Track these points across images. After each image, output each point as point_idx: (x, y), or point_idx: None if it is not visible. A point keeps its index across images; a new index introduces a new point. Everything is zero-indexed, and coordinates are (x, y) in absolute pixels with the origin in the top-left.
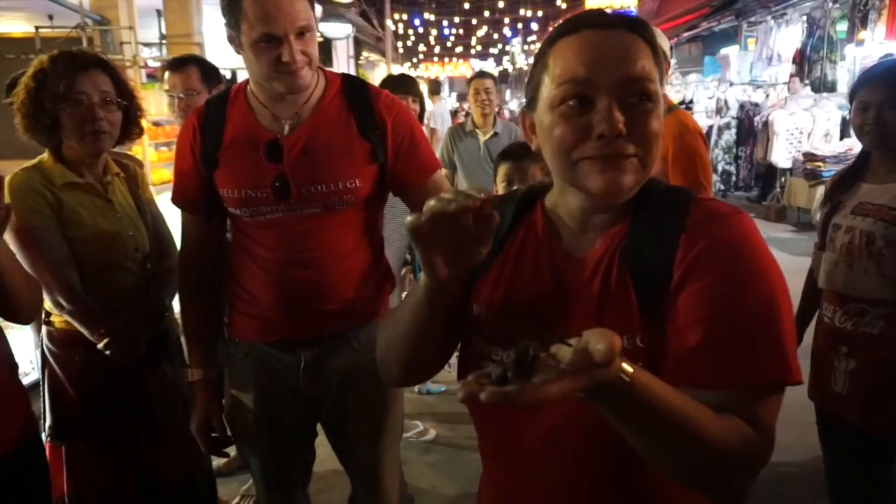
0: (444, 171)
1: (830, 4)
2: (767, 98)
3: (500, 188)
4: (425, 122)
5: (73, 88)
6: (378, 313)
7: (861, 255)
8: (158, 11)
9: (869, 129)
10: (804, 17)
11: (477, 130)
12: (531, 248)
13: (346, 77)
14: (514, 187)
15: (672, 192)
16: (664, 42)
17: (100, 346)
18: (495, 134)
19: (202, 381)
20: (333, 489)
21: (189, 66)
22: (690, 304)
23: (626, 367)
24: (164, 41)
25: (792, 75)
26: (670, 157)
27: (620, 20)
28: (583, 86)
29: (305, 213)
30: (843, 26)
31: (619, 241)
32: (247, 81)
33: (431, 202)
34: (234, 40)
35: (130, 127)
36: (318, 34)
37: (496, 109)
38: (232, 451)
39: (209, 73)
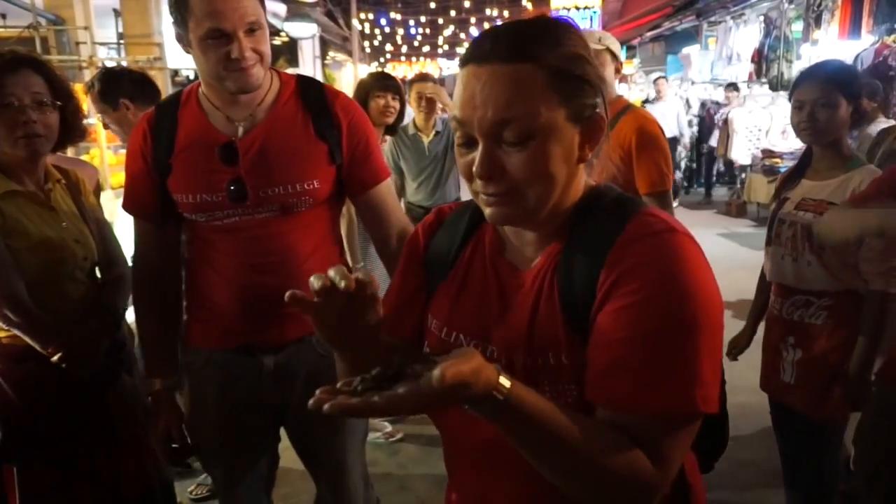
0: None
1: (786, 5)
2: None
3: None
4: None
5: (1, 90)
6: None
7: (804, 249)
8: (116, 11)
9: (804, 127)
10: (761, 18)
11: (420, 133)
12: (479, 260)
13: (301, 78)
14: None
15: (617, 205)
16: (610, 42)
17: (54, 359)
18: (437, 133)
19: (162, 390)
20: (302, 493)
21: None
22: (606, 325)
23: (504, 382)
24: (122, 41)
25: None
26: (634, 149)
27: (498, 48)
28: (464, 127)
29: (263, 216)
30: (798, 26)
31: (557, 257)
32: (199, 84)
33: (314, 279)
34: (183, 39)
35: (70, 131)
36: (283, 34)
37: (437, 111)
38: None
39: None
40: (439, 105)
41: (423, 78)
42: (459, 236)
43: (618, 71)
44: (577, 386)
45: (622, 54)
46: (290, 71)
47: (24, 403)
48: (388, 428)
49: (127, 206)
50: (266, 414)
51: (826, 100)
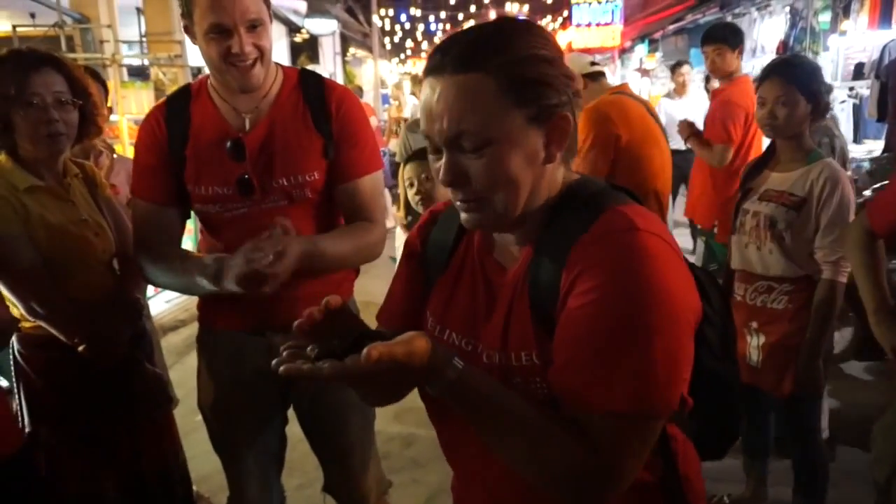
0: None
1: None
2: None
3: (402, 190)
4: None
5: (24, 90)
6: (345, 297)
7: (766, 237)
8: (139, 9)
9: (765, 123)
10: (787, 9)
11: None
12: (470, 259)
13: (302, 72)
14: (415, 189)
15: (590, 202)
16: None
17: (79, 350)
18: None
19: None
20: (315, 482)
21: None
22: (564, 324)
23: (457, 364)
24: (144, 39)
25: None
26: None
27: (448, 60)
28: (430, 139)
29: (269, 206)
30: (826, 17)
31: (531, 256)
32: (207, 77)
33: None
34: (190, 30)
35: (87, 126)
36: (304, 31)
37: None
38: None
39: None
40: None
41: None
42: (453, 234)
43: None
44: (547, 382)
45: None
46: (311, 67)
47: (51, 390)
48: None
49: (140, 192)
50: (275, 391)
51: (786, 98)
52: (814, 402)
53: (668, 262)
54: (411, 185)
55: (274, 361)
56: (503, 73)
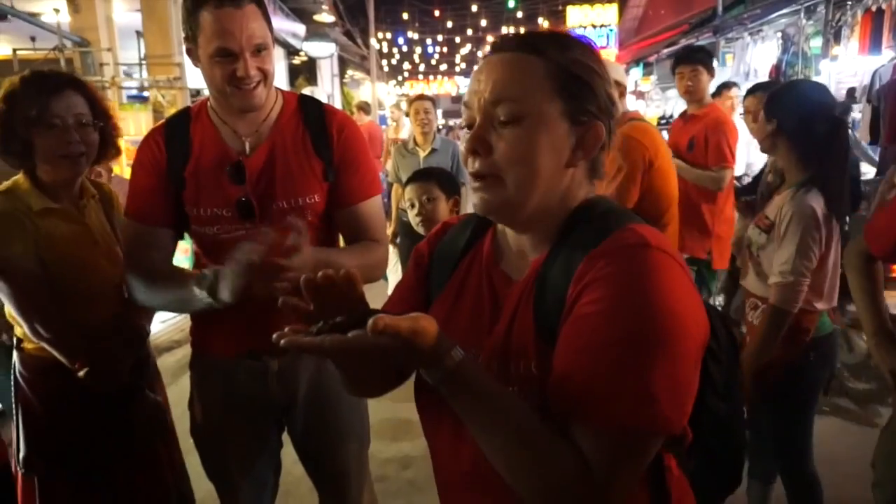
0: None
1: (804, 21)
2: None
3: (395, 210)
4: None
5: (45, 112)
6: None
7: (748, 257)
8: (138, 33)
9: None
10: (779, 34)
11: (417, 148)
12: (476, 270)
13: (302, 97)
14: (416, 210)
15: (602, 218)
16: (615, 71)
17: (80, 374)
18: (433, 150)
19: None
20: None
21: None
22: (565, 335)
23: (455, 355)
24: (144, 62)
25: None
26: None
27: (509, 42)
28: (468, 109)
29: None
30: (817, 42)
31: (540, 267)
32: (208, 99)
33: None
34: (193, 53)
35: (107, 147)
36: (303, 53)
37: (435, 127)
38: None
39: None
40: (437, 123)
41: (420, 97)
42: (460, 247)
43: (621, 94)
44: (545, 395)
45: (625, 78)
46: (309, 89)
47: (49, 415)
48: None
49: (134, 214)
50: (270, 416)
51: (757, 112)
52: (805, 443)
53: (677, 280)
54: (412, 206)
55: (275, 335)
56: (556, 61)
